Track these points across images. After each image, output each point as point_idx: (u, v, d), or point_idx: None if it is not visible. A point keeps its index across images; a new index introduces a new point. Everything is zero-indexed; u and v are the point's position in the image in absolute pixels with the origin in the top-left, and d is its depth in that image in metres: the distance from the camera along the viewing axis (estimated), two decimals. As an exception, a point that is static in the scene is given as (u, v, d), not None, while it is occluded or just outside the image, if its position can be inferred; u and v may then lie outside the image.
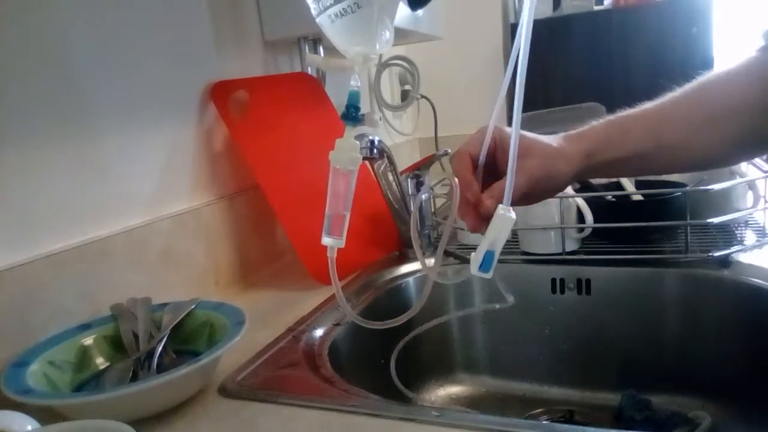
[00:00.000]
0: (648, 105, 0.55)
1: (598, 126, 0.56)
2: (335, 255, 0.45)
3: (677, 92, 0.55)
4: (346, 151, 0.42)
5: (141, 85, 0.75)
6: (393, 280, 0.86)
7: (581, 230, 0.85)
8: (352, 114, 0.42)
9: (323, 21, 0.41)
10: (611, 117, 0.56)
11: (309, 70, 1.04)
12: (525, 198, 0.51)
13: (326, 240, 0.44)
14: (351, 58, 0.42)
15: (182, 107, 0.82)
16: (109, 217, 0.70)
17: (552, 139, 0.54)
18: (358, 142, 0.43)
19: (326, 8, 0.40)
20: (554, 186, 0.53)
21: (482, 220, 0.48)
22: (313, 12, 0.41)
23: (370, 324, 0.48)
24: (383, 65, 1.42)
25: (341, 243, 0.44)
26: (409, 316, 0.48)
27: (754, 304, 0.72)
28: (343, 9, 0.39)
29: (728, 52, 1.47)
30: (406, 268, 0.90)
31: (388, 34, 0.41)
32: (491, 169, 0.51)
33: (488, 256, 0.44)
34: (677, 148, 0.53)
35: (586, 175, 0.56)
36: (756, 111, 0.52)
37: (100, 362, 0.59)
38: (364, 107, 1.22)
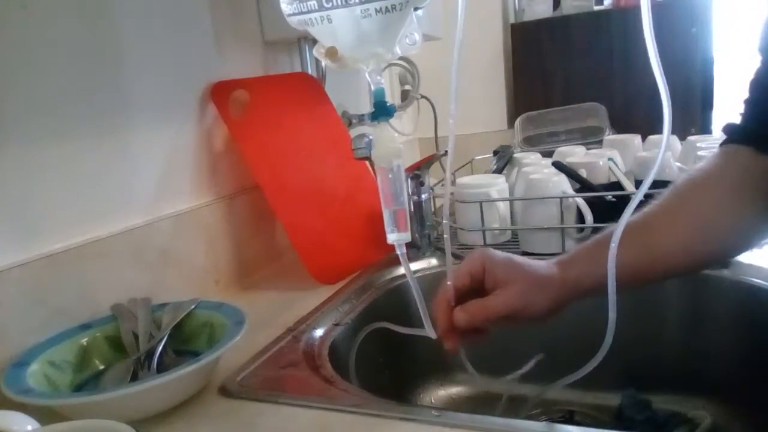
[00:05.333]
0: (633, 218, 0.54)
1: (584, 248, 0.56)
2: (405, 251, 0.44)
3: (657, 203, 0.56)
4: (386, 146, 0.41)
5: (141, 85, 0.75)
6: (393, 280, 0.86)
7: (581, 230, 0.85)
8: (382, 111, 0.41)
9: (341, 14, 0.37)
10: (598, 236, 0.56)
11: (309, 70, 1.04)
12: (507, 319, 0.52)
13: (391, 237, 0.43)
14: (363, 59, 0.39)
15: (182, 107, 0.82)
16: (109, 217, 0.70)
17: (543, 266, 0.55)
18: (395, 133, 0.42)
19: (363, 2, 0.37)
20: (534, 314, 0.52)
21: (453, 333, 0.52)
22: (328, 3, 0.38)
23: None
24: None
25: (407, 237, 0.43)
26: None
27: (754, 304, 0.72)
28: (391, 5, 0.36)
29: (728, 52, 1.47)
30: (406, 269, 0.89)
31: (417, 36, 0.39)
32: (479, 293, 0.53)
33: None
34: (671, 256, 0.54)
35: (576, 298, 0.55)
36: (736, 215, 0.54)
37: (100, 362, 0.59)
38: (364, 107, 1.22)
